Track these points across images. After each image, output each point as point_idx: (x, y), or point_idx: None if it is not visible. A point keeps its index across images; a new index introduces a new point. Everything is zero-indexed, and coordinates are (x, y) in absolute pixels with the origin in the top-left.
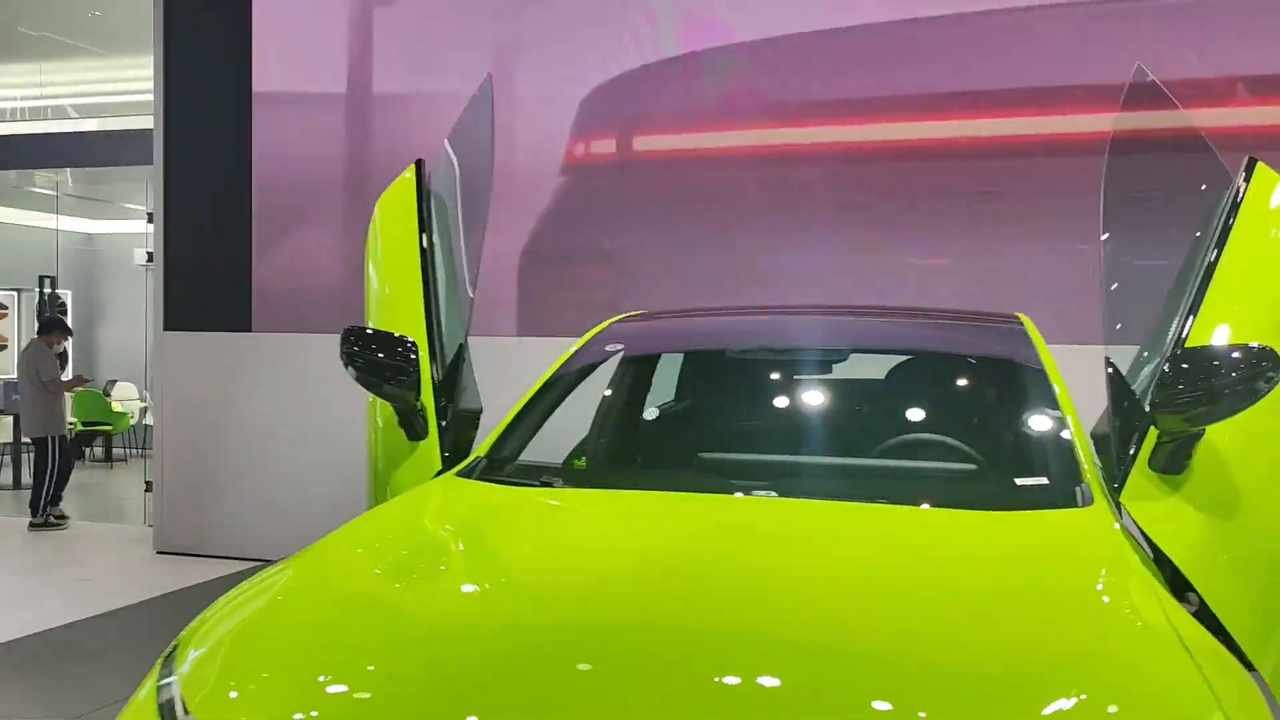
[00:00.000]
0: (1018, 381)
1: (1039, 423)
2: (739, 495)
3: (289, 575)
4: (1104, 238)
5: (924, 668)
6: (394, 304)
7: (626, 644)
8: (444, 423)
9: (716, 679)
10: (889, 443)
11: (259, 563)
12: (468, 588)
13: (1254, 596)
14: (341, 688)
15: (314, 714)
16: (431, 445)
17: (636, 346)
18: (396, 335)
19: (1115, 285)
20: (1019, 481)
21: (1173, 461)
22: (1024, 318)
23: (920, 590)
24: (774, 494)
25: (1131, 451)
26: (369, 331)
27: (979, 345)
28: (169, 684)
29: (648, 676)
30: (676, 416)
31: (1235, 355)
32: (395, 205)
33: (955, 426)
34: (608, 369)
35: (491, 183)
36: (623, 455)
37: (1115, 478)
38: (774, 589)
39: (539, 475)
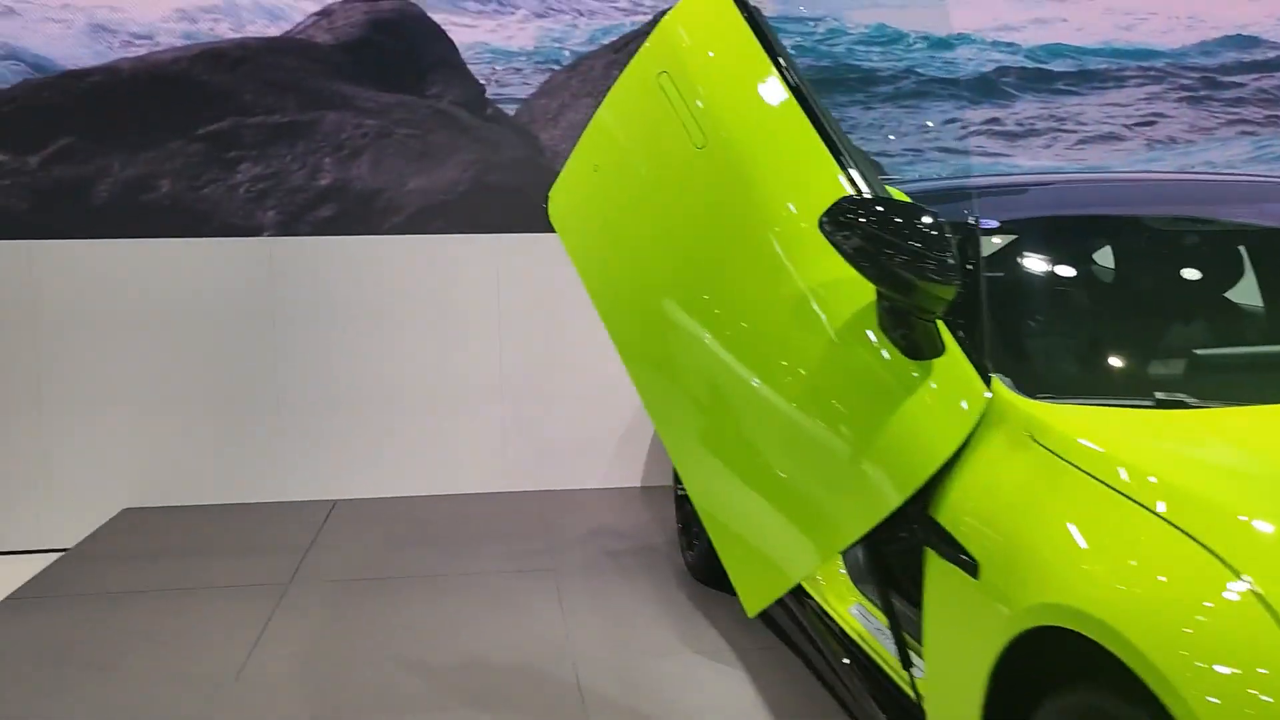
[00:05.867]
0: None
1: None
2: None
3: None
4: None
5: None
6: (789, 171)
7: None
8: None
9: None
10: None
11: None
12: None
13: None
14: None
15: None
16: (957, 361)
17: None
18: (916, 205)
19: None
20: None
21: None
22: None
23: None
24: None
25: None
26: (882, 203)
27: None
28: None
29: None
30: (1149, 304)
31: None
32: (716, 30)
33: None
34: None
35: None
36: (1136, 355)
37: None
38: None
39: (1127, 392)
